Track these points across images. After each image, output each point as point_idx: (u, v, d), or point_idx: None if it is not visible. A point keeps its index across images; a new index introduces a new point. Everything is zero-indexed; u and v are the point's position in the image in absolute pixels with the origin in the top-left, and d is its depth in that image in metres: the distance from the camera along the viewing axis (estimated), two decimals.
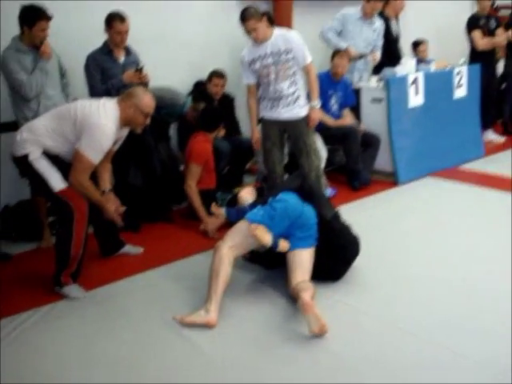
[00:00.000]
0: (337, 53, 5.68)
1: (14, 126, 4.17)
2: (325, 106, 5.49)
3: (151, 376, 2.77)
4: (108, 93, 4.32)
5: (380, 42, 6.27)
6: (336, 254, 3.54)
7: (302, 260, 3.36)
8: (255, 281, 3.72)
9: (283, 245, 3.35)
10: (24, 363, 2.92)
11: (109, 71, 4.52)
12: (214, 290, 3.19)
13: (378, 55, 6.23)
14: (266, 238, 3.27)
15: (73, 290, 3.60)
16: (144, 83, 4.47)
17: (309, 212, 3.47)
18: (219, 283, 3.20)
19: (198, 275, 3.67)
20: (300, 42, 4.43)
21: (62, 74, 4.52)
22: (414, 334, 3.00)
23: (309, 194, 3.63)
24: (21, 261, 4.25)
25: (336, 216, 3.70)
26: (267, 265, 3.78)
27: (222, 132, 4.93)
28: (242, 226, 3.39)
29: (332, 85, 5.68)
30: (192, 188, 4.69)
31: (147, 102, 3.61)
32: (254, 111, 4.74)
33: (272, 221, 3.35)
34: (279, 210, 3.38)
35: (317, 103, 4.62)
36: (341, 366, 2.79)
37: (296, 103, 4.56)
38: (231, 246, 3.32)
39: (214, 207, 4.07)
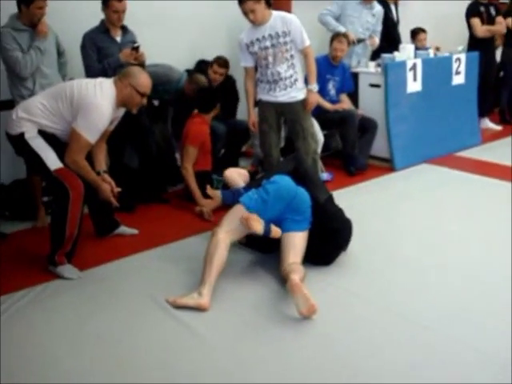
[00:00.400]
0: (336, 37, 5.64)
1: (10, 105, 4.14)
2: (322, 91, 5.46)
3: (142, 355, 2.77)
4: (104, 72, 4.30)
5: (379, 28, 6.25)
6: (329, 238, 3.55)
7: (295, 243, 3.37)
8: (250, 264, 3.72)
9: (275, 231, 3.36)
10: (17, 342, 2.91)
11: (105, 50, 4.49)
12: (208, 273, 3.19)
13: (376, 40, 6.21)
14: (258, 227, 3.27)
15: (67, 270, 3.59)
16: (140, 63, 4.45)
17: (303, 195, 3.47)
18: (213, 267, 3.20)
19: (192, 257, 3.67)
20: (298, 24, 4.39)
21: (60, 53, 4.49)
22: (406, 318, 3.01)
23: (303, 177, 3.63)
24: (15, 240, 4.24)
25: (329, 199, 3.70)
26: (263, 249, 3.79)
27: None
28: (238, 211, 3.38)
29: (330, 69, 5.66)
30: (188, 170, 4.68)
31: (143, 81, 3.60)
32: (252, 94, 4.71)
33: (265, 204, 3.36)
34: (272, 193, 3.39)
35: (314, 87, 4.60)
36: (331, 348, 2.79)
37: (293, 86, 4.53)
38: (228, 231, 3.33)
39: (209, 190, 4.08)
